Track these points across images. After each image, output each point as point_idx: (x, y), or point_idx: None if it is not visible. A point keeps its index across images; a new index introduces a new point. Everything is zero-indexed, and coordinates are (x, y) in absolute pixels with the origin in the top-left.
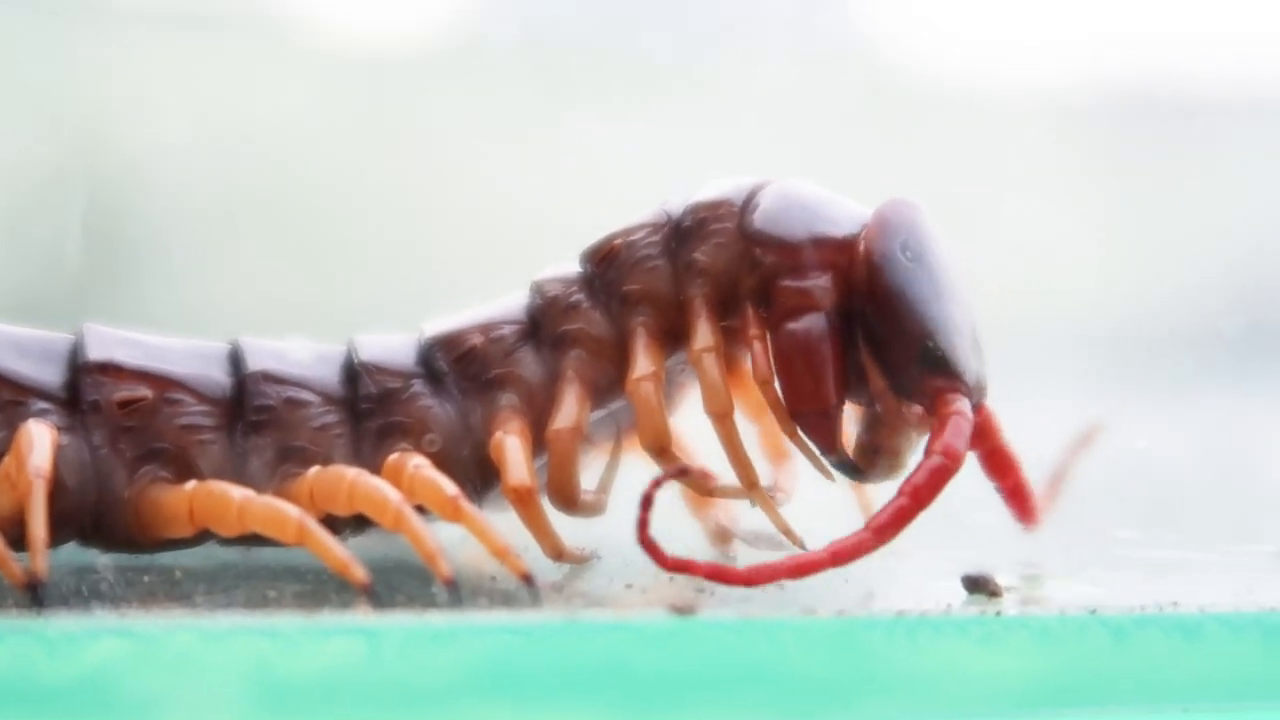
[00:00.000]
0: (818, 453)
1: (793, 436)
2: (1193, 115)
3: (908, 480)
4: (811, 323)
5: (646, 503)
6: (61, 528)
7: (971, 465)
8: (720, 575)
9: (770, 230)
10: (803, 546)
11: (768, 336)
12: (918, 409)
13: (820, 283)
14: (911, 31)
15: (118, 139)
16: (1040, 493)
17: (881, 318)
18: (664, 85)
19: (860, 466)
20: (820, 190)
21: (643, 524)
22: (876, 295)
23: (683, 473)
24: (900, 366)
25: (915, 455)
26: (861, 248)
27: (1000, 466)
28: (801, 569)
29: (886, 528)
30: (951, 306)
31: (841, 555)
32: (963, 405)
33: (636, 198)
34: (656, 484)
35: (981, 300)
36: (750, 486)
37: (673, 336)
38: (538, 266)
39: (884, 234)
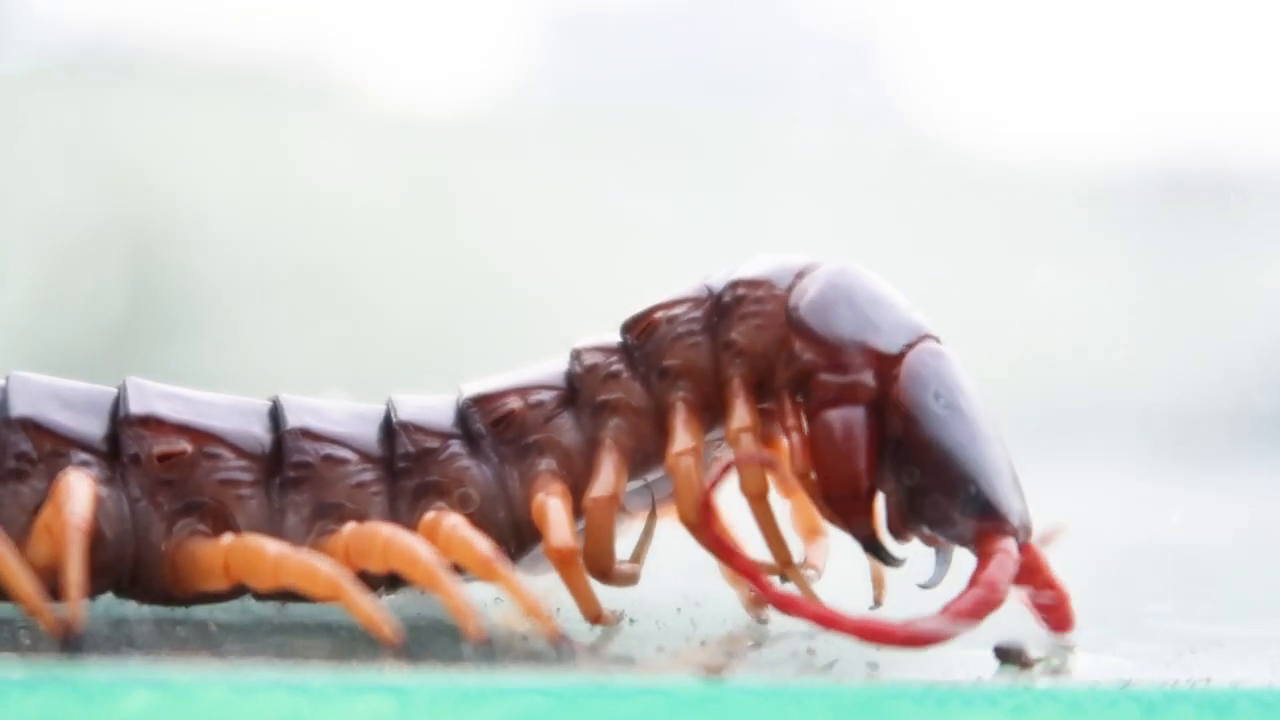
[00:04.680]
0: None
1: (831, 520)
2: (1226, 193)
3: (950, 604)
4: (848, 413)
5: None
6: (98, 579)
7: None
8: (827, 620)
9: (814, 326)
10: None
11: (804, 426)
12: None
13: (861, 379)
14: (946, 104)
15: (163, 197)
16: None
17: (922, 465)
18: (699, 154)
19: (887, 552)
20: (871, 285)
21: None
22: (915, 444)
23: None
24: (943, 510)
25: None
26: (895, 396)
27: (1048, 607)
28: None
29: (919, 637)
30: (990, 448)
31: (876, 634)
32: (1008, 545)
33: (674, 264)
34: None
35: (1013, 376)
36: (785, 565)
37: (712, 411)
38: (576, 334)
39: (916, 386)
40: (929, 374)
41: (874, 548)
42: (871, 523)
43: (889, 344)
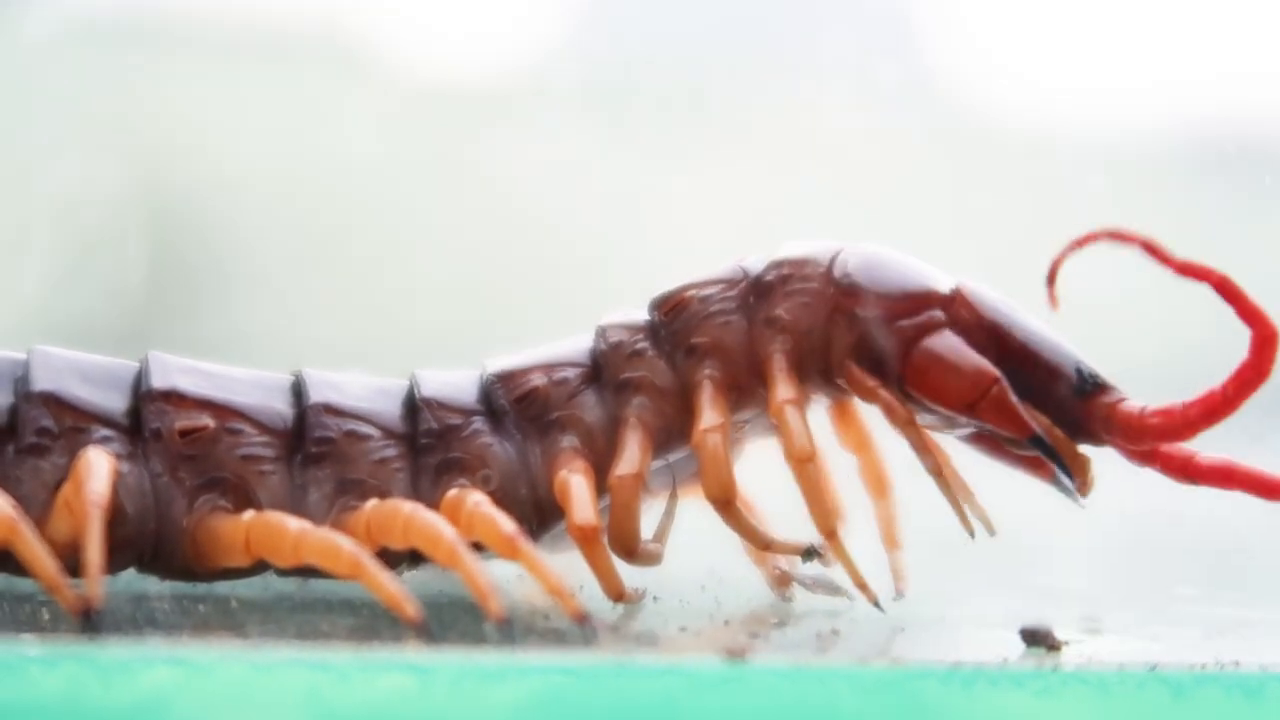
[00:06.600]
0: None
1: (947, 473)
2: (1264, 161)
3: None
4: (941, 335)
5: None
6: (119, 555)
7: (1030, 521)
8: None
9: (869, 285)
10: (874, 598)
11: (881, 384)
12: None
13: (933, 315)
14: (978, 75)
15: (184, 169)
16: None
17: (1024, 365)
18: (730, 126)
19: (1067, 448)
20: (898, 253)
21: None
22: (1013, 353)
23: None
24: (1057, 406)
25: None
26: (974, 322)
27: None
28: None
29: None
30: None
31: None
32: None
33: (704, 239)
34: None
35: None
36: (829, 534)
37: (738, 391)
38: (599, 309)
39: (986, 306)
40: (986, 294)
41: (1047, 448)
42: (1019, 410)
43: (940, 286)
